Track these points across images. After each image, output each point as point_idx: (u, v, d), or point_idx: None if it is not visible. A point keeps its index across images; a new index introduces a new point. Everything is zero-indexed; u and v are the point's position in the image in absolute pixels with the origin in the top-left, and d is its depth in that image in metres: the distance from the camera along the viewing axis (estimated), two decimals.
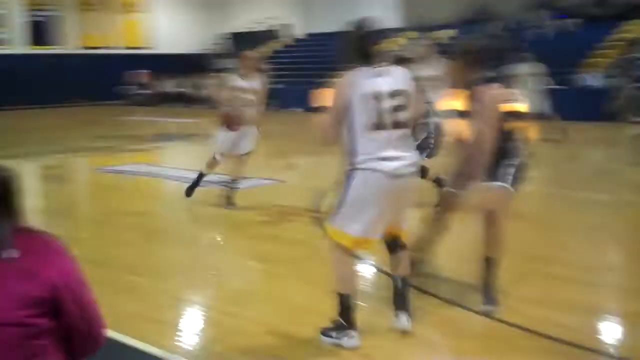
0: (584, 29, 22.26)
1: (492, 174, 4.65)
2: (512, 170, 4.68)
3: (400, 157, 3.94)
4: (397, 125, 3.92)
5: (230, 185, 8.32)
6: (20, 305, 1.99)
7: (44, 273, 2.05)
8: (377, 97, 3.86)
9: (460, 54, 4.81)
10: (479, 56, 4.76)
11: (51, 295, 2.05)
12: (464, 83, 4.69)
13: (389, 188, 3.92)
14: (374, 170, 3.90)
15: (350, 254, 4.14)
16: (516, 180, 4.72)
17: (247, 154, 8.30)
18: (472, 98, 4.61)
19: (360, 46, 3.97)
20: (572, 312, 4.69)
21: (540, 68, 14.26)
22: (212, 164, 8.40)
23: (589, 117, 16.53)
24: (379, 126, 3.88)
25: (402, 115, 3.94)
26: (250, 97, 8.06)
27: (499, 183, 4.64)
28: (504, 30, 22.69)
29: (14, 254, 2.03)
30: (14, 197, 2.18)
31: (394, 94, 3.90)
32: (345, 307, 4.10)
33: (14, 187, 2.18)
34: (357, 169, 3.93)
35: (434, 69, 9.17)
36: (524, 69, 14.05)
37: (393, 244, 4.29)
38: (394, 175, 3.91)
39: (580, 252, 6.40)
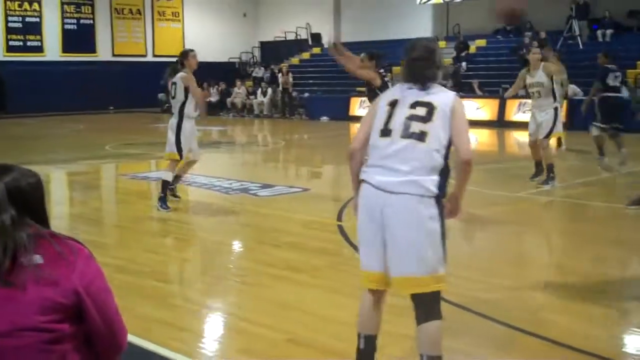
0: (615, 40, 22.11)
1: None
2: None
3: (398, 170, 3.35)
4: (406, 134, 3.39)
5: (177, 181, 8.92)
6: (40, 310, 2.00)
7: (66, 279, 2.05)
8: (394, 104, 3.51)
9: None
10: None
11: (73, 301, 2.05)
12: None
13: (372, 203, 3.40)
14: (365, 181, 3.47)
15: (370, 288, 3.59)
16: None
17: None
18: None
19: (405, 65, 3.64)
20: (598, 324, 4.64)
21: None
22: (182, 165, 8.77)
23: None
24: (385, 132, 3.46)
25: (417, 126, 3.38)
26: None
27: None
28: (535, 40, 22.58)
29: (36, 260, 2.04)
30: (38, 203, 2.18)
31: (415, 104, 3.46)
32: (357, 347, 3.61)
33: (38, 194, 2.18)
34: (361, 179, 3.53)
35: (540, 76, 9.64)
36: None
37: (415, 305, 3.44)
38: (379, 189, 3.37)
39: (608, 265, 6.32)
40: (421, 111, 3.42)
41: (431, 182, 3.32)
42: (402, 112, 3.45)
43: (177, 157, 8.40)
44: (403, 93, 3.54)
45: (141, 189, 10.60)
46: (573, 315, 4.85)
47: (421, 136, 3.37)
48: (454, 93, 3.57)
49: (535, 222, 8.30)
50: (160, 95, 29.11)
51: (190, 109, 8.35)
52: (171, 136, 8.39)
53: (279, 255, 6.46)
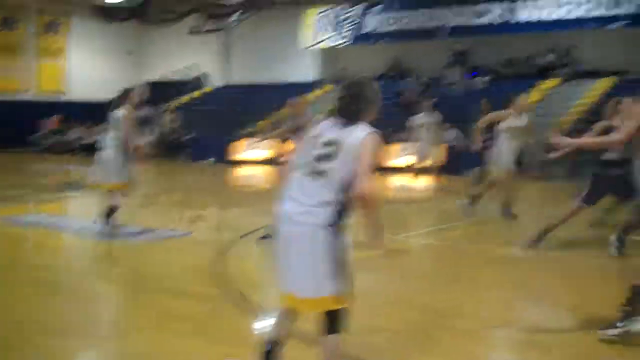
0: (493, 87, 23.15)
1: None
2: None
3: (300, 202, 3.73)
4: (314, 172, 3.76)
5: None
6: None
7: None
8: (312, 141, 3.85)
9: None
10: None
11: None
12: None
13: (282, 231, 3.80)
14: (279, 211, 3.83)
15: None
16: None
17: None
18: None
19: (335, 101, 3.96)
20: None
21: (436, 117, 15.45)
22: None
23: None
24: (298, 165, 3.84)
25: (324, 165, 3.73)
26: None
27: None
28: (418, 85, 23.46)
29: None
30: None
31: (326, 142, 3.78)
32: (262, 351, 4.01)
33: None
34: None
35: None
36: (424, 119, 15.36)
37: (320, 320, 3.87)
38: (285, 218, 3.77)
39: (487, 306, 6.51)
40: (328, 149, 3.75)
41: (328, 213, 3.68)
42: (314, 149, 3.79)
43: (124, 187, 9.03)
44: (323, 129, 3.85)
45: (14, 233, 10.15)
46: (439, 356, 4.96)
47: (323, 173, 3.73)
48: (368, 131, 3.80)
49: (410, 265, 8.47)
50: (35, 137, 27.97)
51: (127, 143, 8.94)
52: (114, 167, 8.91)
53: (158, 303, 6.32)
